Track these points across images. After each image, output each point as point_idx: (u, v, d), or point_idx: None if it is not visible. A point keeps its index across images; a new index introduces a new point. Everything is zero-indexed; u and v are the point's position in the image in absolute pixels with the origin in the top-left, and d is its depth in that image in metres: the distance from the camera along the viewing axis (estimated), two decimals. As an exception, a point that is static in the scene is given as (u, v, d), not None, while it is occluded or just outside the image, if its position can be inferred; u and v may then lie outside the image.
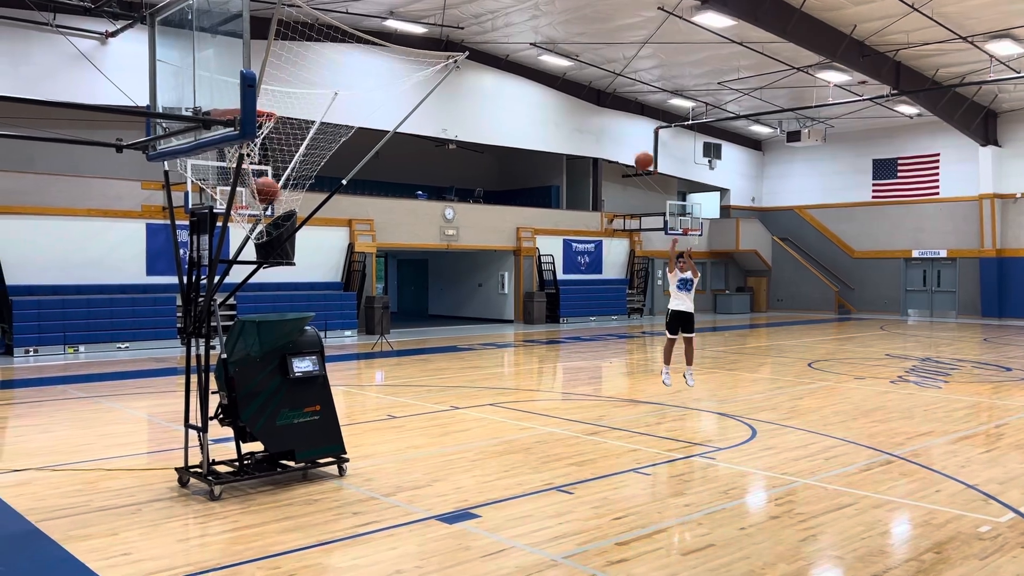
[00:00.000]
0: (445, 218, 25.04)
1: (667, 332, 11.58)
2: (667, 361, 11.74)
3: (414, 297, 32.25)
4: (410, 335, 22.44)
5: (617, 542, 5.52)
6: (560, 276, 27.69)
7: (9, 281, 17.15)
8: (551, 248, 27.68)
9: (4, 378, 14.27)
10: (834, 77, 24.50)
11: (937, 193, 31.07)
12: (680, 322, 11.43)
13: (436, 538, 5.60)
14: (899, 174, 32.07)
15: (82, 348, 17.58)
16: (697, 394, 11.60)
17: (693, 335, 11.49)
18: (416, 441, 8.78)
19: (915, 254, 31.58)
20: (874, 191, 32.81)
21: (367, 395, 12.38)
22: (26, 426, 9.95)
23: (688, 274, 11.35)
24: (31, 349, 16.86)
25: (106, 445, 8.57)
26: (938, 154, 30.94)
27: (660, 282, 31.56)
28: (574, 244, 28.58)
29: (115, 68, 18.01)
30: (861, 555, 5.29)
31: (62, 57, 18.13)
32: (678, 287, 11.43)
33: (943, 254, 30.87)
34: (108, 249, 18.79)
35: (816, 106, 26.83)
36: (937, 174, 31.08)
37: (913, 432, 9.24)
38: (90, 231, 18.58)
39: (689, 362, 11.54)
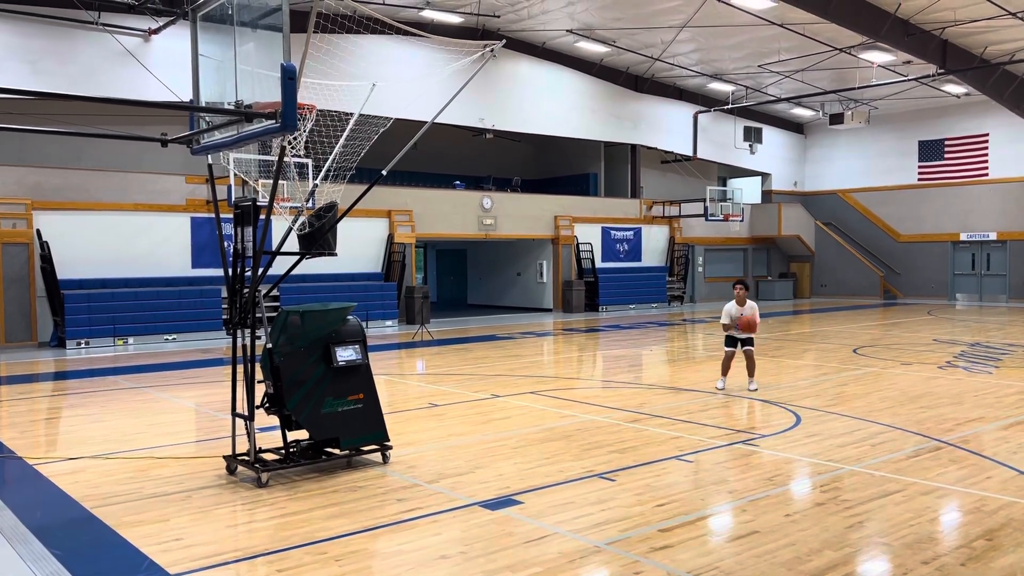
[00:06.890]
0: (483, 207, 25.08)
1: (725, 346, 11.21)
2: (724, 372, 11.28)
3: (453, 287, 32.40)
4: (450, 324, 22.55)
5: (660, 529, 5.51)
6: (599, 264, 27.57)
7: (60, 275, 17.59)
8: (589, 236, 27.56)
9: (57, 369, 14.67)
10: (878, 57, 23.98)
11: (986, 174, 30.29)
12: (737, 339, 11.08)
13: (479, 524, 5.65)
14: (946, 155, 31.32)
15: (131, 340, 17.98)
16: (739, 382, 11.45)
17: (751, 347, 11.01)
18: (458, 429, 8.85)
19: (963, 237, 30.84)
20: (920, 173, 32.09)
21: (409, 384, 12.48)
22: (79, 416, 10.22)
23: (744, 313, 10.86)
24: (82, 341, 17.28)
25: (156, 434, 8.78)
26: (987, 134, 30.15)
27: (700, 269, 31.27)
28: (613, 232, 28.43)
29: (159, 64, 18.32)
30: (909, 542, 5.22)
31: (107, 55, 18.50)
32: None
33: (993, 237, 30.11)
34: (154, 243, 19.19)
35: (859, 87, 26.31)
36: (986, 155, 30.29)
37: (963, 418, 9.06)
38: (137, 225, 18.99)
39: (751, 373, 11.14)
